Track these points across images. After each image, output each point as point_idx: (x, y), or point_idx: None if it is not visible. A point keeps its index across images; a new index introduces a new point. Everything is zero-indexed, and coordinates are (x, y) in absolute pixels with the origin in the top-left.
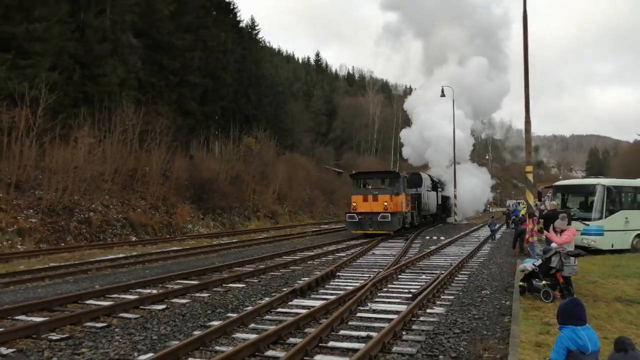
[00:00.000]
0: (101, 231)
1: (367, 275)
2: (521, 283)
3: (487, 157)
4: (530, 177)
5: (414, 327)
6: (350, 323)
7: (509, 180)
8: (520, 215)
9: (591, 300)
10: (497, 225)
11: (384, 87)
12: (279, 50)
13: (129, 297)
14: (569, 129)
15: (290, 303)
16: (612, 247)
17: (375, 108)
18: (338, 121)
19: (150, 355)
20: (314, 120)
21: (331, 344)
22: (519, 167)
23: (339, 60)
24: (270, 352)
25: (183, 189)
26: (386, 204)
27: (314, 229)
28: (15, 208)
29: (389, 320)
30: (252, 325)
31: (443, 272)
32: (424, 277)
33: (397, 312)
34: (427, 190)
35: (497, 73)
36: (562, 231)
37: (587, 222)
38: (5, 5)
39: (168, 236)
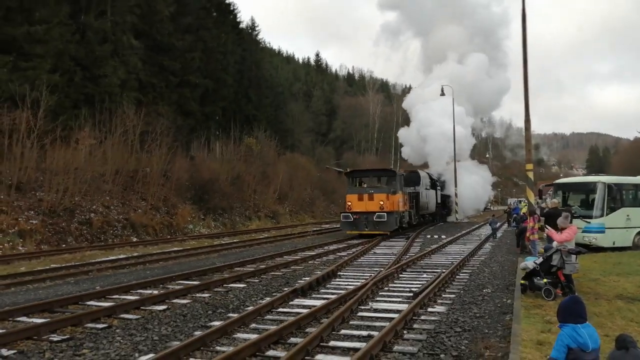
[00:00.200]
0: (102, 232)
1: (368, 274)
2: (522, 281)
3: (487, 156)
4: (530, 175)
5: (415, 326)
6: (351, 322)
7: (509, 178)
8: (522, 214)
9: (592, 298)
10: (499, 224)
11: (383, 87)
12: (279, 51)
13: (130, 298)
14: (570, 126)
15: (291, 303)
16: (614, 244)
17: (376, 108)
18: (338, 121)
19: (151, 355)
20: (314, 120)
21: (332, 343)
22: (519, 165)
23: (338, 60)
24: (271, 352)
25: (184, 190)
26: (382, 203)
27: (315, 229)
28: (17, 209)
29: (390, 319)
30: (253, 325)
31: (444, 270)
32: (425, 275)
33: (398, 311)
34: (426, 189)
35: (497, 71)
36: (563, 229)
37: (588, 220)
38: (6, 7)
39: (169, 237)
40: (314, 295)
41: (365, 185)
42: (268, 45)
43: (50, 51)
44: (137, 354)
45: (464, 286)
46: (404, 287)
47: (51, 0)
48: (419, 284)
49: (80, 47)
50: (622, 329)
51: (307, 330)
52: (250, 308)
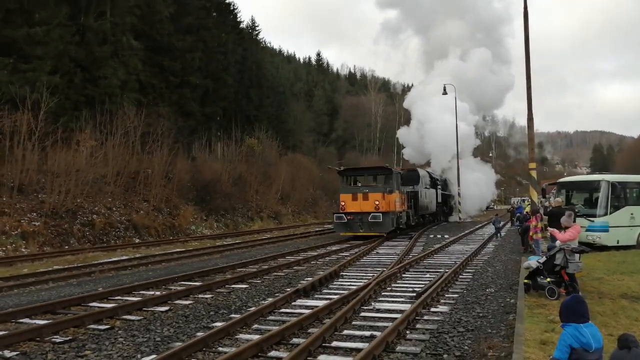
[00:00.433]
0: (104, 233)
1: (371, 274)
2: (526, 281)
3: (490, 155)
4: (534, 174)
5: (418, 326)
6: (354, 323)
7: (513, 177)
8: (525, 213)
9: (596, 297)
10: (502, 223)
11: (385, 86)
12: (279, 51)
13: (132, 299)
14: (573, 125)
15: (293, 303)
16: (618, 243)
17: (378, 107)
18: (340, 121)
19: (153, 356)
20: (316, 120)
21: (335, 344)
22: (523, 164)
23: (340, 59)
24: (273, 353)
25: (186, 191)
26: (377, 202)
27: (318, 229)
28: (19, 212)
29: (393, 319)
30: (256, 325)
31: (447, 270)
32: (428, 275)
33: (401, 311)
34: (426, 188)
35: (500, 67)
36: (566, 228)
37: (591, 219)
38: (6, 9)
39: (171, 238)
40: (316, 296)
41: (359, 184)
42: (269, 45)
43: (50, 53)
44: (139, 355)
45: (467, 286)
46: (406, 287)
47: (51, 1)
48: (422, 284)
49: (80, 48)
50: (627, 328)
51: (309, 330)
52: (253, 309)
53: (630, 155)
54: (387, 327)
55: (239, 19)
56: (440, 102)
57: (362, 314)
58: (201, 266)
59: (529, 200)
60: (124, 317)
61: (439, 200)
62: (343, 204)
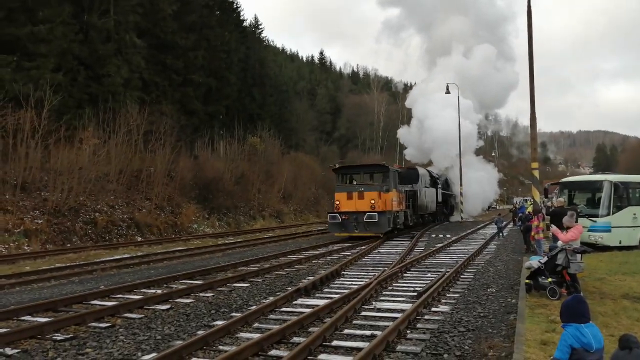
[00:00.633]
0: (107, 232)
1: (372, 273)
2: (527, 281)
3: (493, 154)
4: (536, 173)
5: (418, 325)
6: (354, 322)
7: (515, 177)
8: (527, 213)
9: (598, 298)
10: (504, 223)
11: (388, 84)
12: (282, 49)
13: (134, 297)
14: (576, 125)
15: (294, 302)
16: (620, 243)
17: (380, 106)
18: (342, 120)
19: (153, 355)
20: (319, 119)
21: (335, 343)
22: (525, 164)
23: (343, 58)
24: (273, 352)
25: (188, 189)
26: (373, 202)
27: (320, 228)
28: (22, 209)
29: (394, 319)
30: (256, 324)
31: (448, 270)
32: (429, 275)
33: (402, 311)
34: (425, 187)
35: (504, 64)
36: (568, 228)
37: (594, 219)
38: (9, 8)
39: (173, 236)
40: (317, 295)
41: (355, 183)
42: (272, 43)
43: (54, 51)
44: (140, 353)
45: (468, 286)
46: (408, 287)
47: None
48: (423, 284)
49: (84, 46)
50: (628, 328)
51: (310, 329)
52: (254, 307)
53: (634, 155)
54: (387, 326)
55: (242, 18)
56: (441, 99)
57: (363, 313)
58: (203, 265)
59: (532, 200)
60: (125, 315)
61: (440, 199)
62: (337, 203)
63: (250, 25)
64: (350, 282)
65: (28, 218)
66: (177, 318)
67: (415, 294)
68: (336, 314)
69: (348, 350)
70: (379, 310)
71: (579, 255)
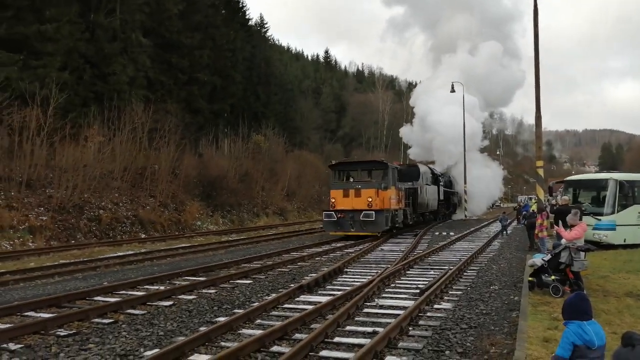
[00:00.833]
0: (111, 229)
1: (375, 271)
2: (530, 278)
3: (497, 152)
4: (540, 172)
5: (420, 322)
6: (356, 319)
7: (520, 175)
8: (531, 211)
9: (601, 295)
10: (509, 221)
11: (392, 83)
12: (288, 48)
13: (137, 294)
14: (582, 123)
15: (297, 299)
16: (625, 242)
17: (385, 104)
18: (347, 118)
19: (156, 350)
20: (323, 117)
21: (337, 339)
22: (530, 162)
23: (348, 57)
24: (275, 348)
25: (192, 187)
26: (370, 199)
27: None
28: (27, 206)
29: (396, 315)
30: (259, 321)
31: (451, 267)
32: (432, 272)
33: (404, 308)
34: (427, 184)
35: (510, 61)
36: (572, 226)
37: (599, 217)
38: (17, 7)
39: (177, 233)
40: (319, 292)
41: (352, 180)
42: (277, 42)
43: (60, 49)
44: (142, 349)
45: (471, 283)
46: (410, 284)
47: None
48: (426, 281)
49: (90, 45)
50: (631, 326)
51: (312, 326)
52: (256, 304)
53: (639, 154)
54: (389, 323)
55: (247, 17)
56: (444, 95)
57: (365, 310)
58: (206, 261)
59: (536, 198)
60: (128, 311)
61: (441, 197)
62: (333, 200)
63: (255, 24)
64: (352, 280)
65: (33, 215)
66: (180, 314)
67: (418, 291)
68: (338, 311)
69: (350, 347)
70: (381, 307)
71: (582, 253)
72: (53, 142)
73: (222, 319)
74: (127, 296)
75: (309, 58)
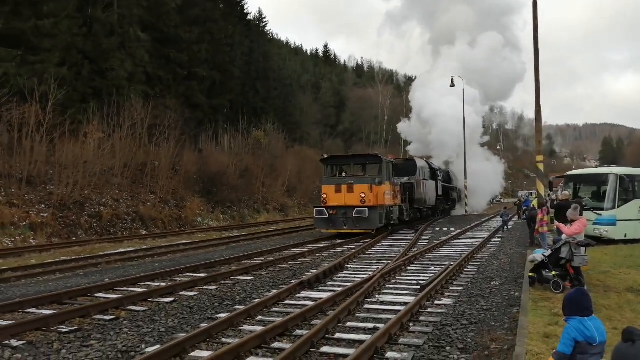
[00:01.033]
0: (112, 225)
1: (376, 267)
2: (531, 274)
3: (498, 147)
4: (541, 166)
5: (421, 318)
6: (357, 315)
7: (521, 170)
8: (532, 206)
9: (602, 291)
10: (510, 216)
11: (391, 78)
12: (287, 43)
13: (138, 290)
14: (583, 117)
15: (297, 295)
16: (625, 237)
17: (385, 99)
18: (347, 113)
19: (157, 347)
20: (323, 112)
21: (337, 335)
22: (531, 157)
23: (347, 51)
24: (276, 344)
25: (192, 183)
26: (364, 195)
27: None
28: (27, 203)
29: (397, 311)
30: (259, 317)
31: (452, 263)
32: (433, 268)
33: (405, 304)
34: (424, 179)
35: (510, 54)
36: (572, 221)
37: (599, 212)
38: (15, 2)
39: (178, 229)
40: (320, 288)
41: (344, 175)
42: (276, 36)
43: (58, 45)
44: (143, 345)
45: (471, 279)
46: (411, 280)
47: None
48: (427, 277)
49: (88, 40)
50: (631, 322)
51: (312, 322)
52: (257, 300)
53: None
54: (390, 319)
55: (246, 11)
56: (443, 87)
57: (366, 306)
58: (207, 258)
59: (537, 193)
60: (129, 307)
61: (440, 193)
62: (325, 196)
63: (254, 18)
64: (353, 275)
65: (34, 212)
66: (181, 311)
67: (419, 287)
68: (339, 307)
69: (350, 343)
70: (382, 303)
71: (583, 249)
72: (53, 138)
73: (223, 315)
74: (128, 293)
75: (308, 52)
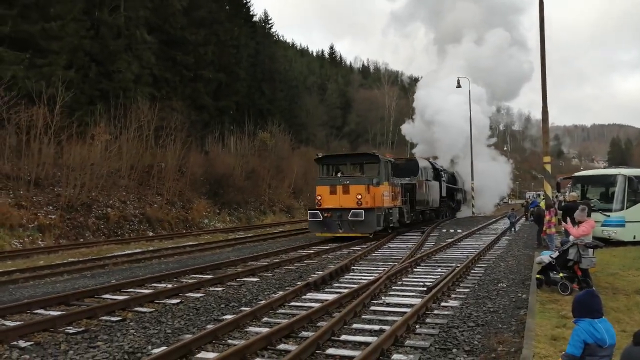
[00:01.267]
0: (119, 227)
1: (382, 268)
2: (538, 276)
3: (505, 148)
4: (548, 167)
5: (427, 320)
6: (363, 316)
7: (528, 171)
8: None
9: (610, 293)
10: (517, 218)
11: (397, 79)
12: (292, 44)
13: (144, 292)
14: (591, 118)
15: (303, 297)
16: (634, 238)
17: (391, 100)
18: (353, 114)
19: (163, 348)
20: (329, 113)
21: (343, 337)
22: (538, 158)
23: (353, 53)
24: (282, 346)
25: (199, 184)
26: (360, 197)
27: None
28: (35, 205)
29: (403, 313)
30: (265, 319)
31: (459, 265)
32: (439, 270)
33: (411, 306)
34: (426, 180)
35: (517, 52)
36: (580, 223)
37: (607, 213)
38: (22, 5)
39: (184, 231)
40: (326, 290)
41: (340, 175)
42: (281, 38)
43: (66, 47)
44: (150, 346)
45: (478, 281)
46: (417, 282)
47: None
48: (433, 279)
49: (95, 42)
50: None
51: (318, 324)
52: (263, 302)
53: None
54: (396, 321)
55: (251, 13)
56: (449, 85)
57: (372, 308)
58: (213, 259)
59: (544, 194)
60: (136, 309)
61: (444, 194)
62: (319, 198)
63: (260, 20)
64: (359, 277)
65: (42, 213)
66: (187, 312)
67: (425, 289)
68: (345, 309)
69: (356, 345)
70: (388, 305)
71: (590, 250)
72: (60, 140)
73: (229, 316)
74: (135, 294)
75: (314, 54)
